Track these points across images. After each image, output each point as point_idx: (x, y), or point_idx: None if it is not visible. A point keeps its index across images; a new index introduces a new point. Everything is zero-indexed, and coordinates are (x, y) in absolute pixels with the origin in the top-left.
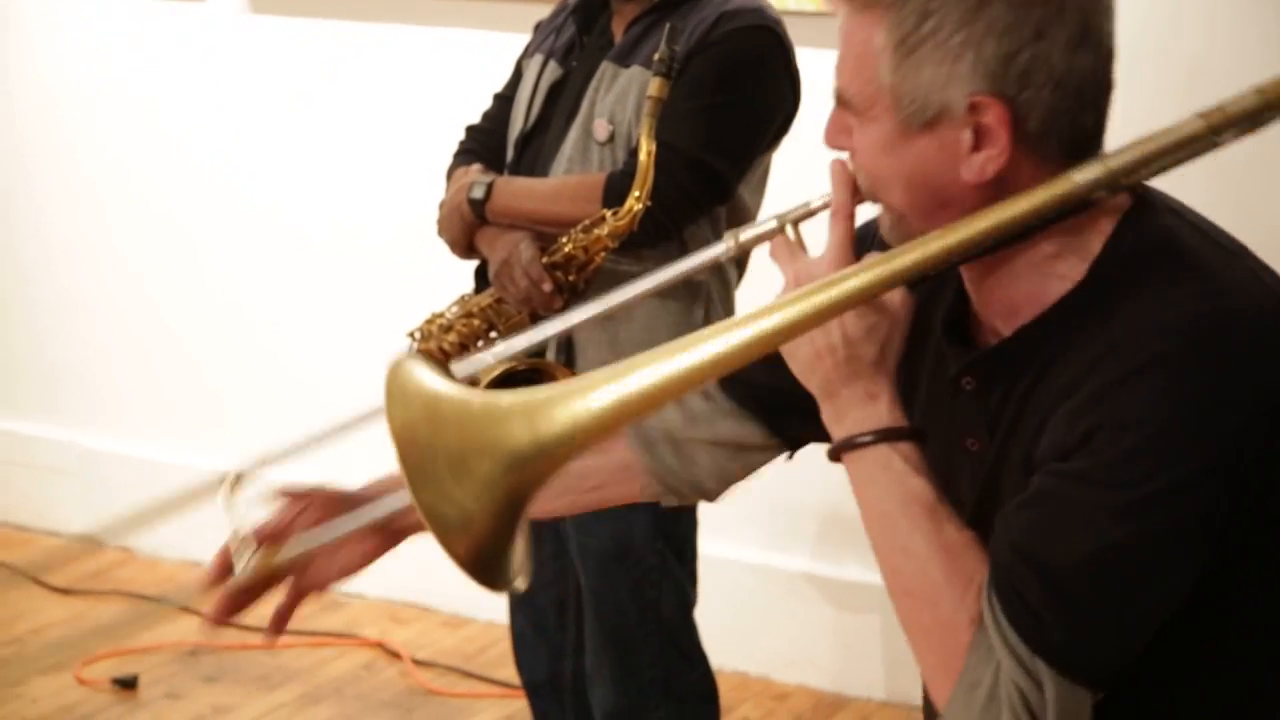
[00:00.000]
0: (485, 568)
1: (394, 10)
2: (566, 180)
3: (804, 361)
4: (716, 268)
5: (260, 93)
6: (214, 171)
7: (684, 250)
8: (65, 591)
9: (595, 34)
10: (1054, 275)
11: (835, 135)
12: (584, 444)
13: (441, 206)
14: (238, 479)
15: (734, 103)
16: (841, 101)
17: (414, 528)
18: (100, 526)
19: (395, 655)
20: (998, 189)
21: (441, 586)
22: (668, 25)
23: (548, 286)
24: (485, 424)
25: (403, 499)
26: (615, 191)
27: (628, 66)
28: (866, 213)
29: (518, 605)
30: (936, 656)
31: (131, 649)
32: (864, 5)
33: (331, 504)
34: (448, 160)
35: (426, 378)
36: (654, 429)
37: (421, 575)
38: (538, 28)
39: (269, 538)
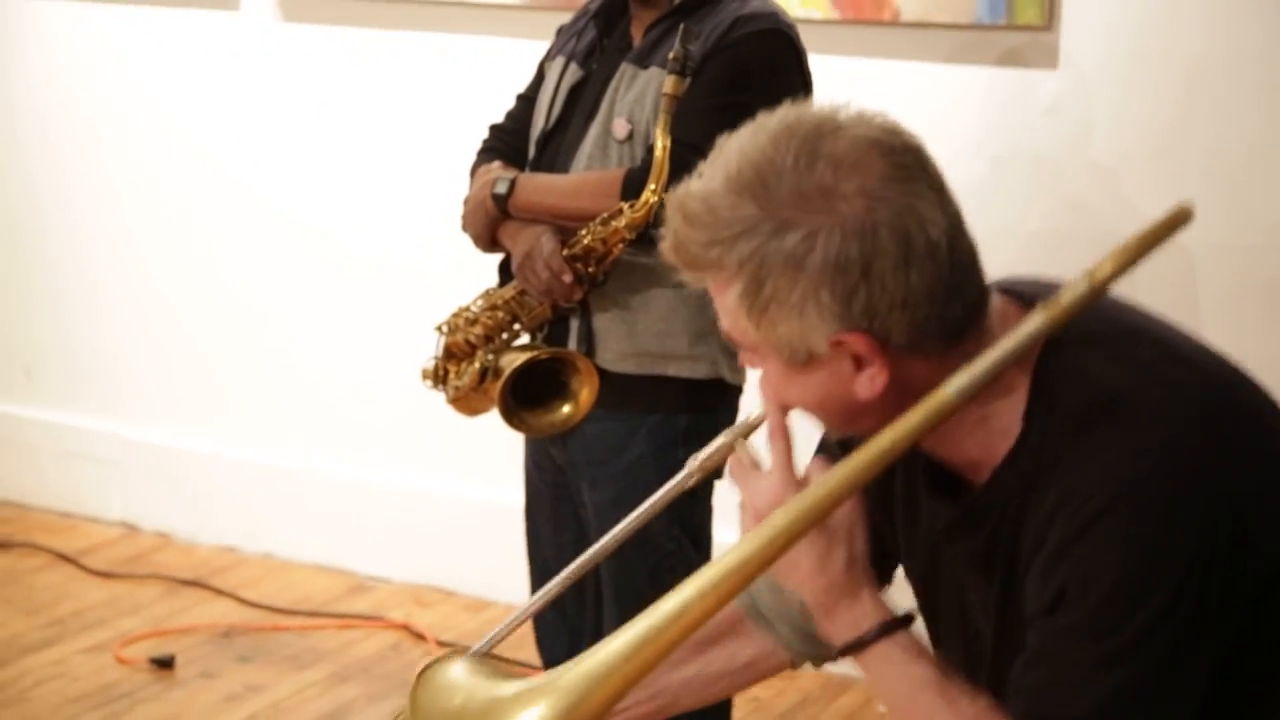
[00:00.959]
0: None
1: (419, 19)
2: (586, 176)
3: (787, 583)
4: None
5: (291, 97)
6: (246, 174)
7: None
8: (105, 575)
9: (615, 37)
10: (995, 433)
11: (745, 358)
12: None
13: (466, 202)
14: None
15: (748, 103)
16: (736, 343)
17: None
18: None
19: (420, 637)
20: (898, 390)
21: (464, 572)
22: (682, 26)
23: (568, 277)
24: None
25: None
26: (633, 186)
27: (646, 67)
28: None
29: (538, 588)
30: None
31: (169, 630)
32: (709, 269)
33: None
34: (471, 160)
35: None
36: (765, 606)
37: (445, 561)
38: (559, 31)
39: None
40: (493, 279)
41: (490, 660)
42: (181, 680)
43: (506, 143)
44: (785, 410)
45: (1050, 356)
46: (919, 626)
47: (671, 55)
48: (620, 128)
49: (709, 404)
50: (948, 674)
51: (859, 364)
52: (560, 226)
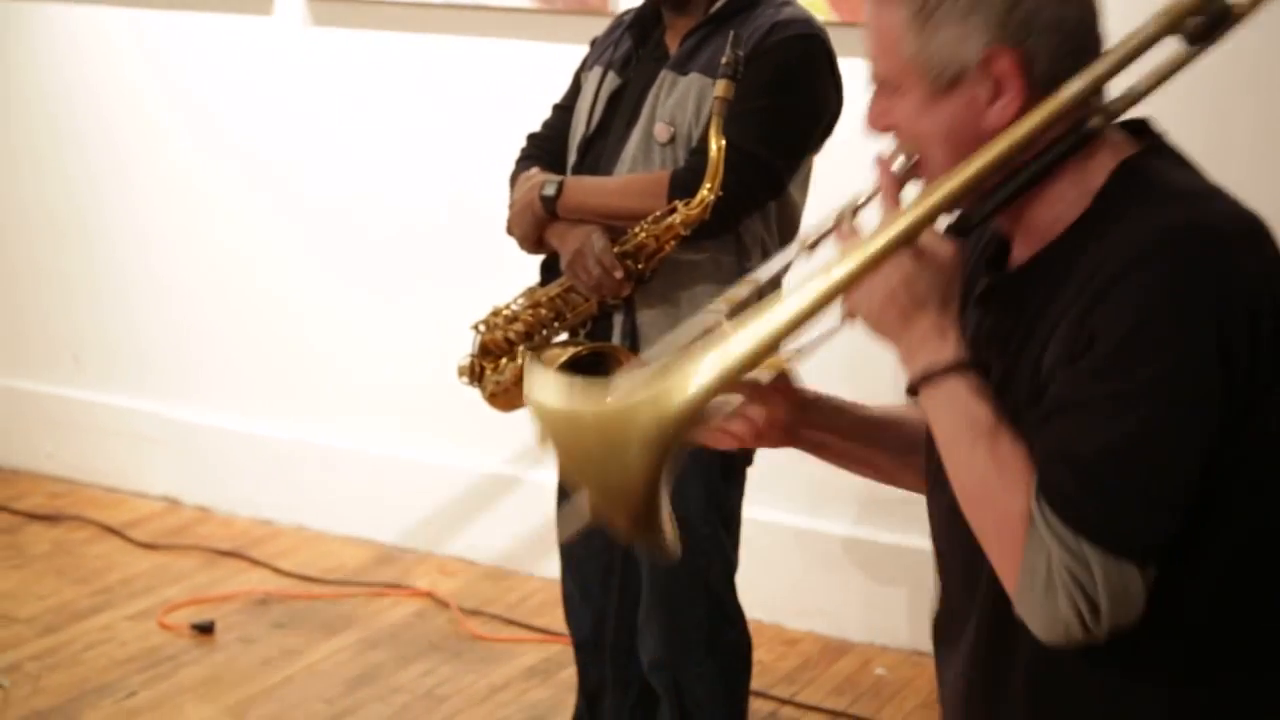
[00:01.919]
0: (647, 531)
1: (440, 23)
2: (633, 178)
3: (873, 313)
4: (768, 256)
5: (320, 96)
6: (279, 167)
7: (739, 241)
8: (150, 546)
9: (650, 46)
10: (1066, 206)
11: (876, 118)
12: (697, 414)
13: (512, 205)
14: None
15: (788, 104)
16: (878, 82)
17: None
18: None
19: (444, 604)
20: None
21: (486, 542)
22: (731, 33)
23: (619, 273)
24: (620, 422)
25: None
26: (680, 187)
27: (686, 74)
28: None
29: (566, 569)
30: (1001, 552)
31: (209, 598)
32: None
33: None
34: (495, 160)
35: (560, 401)
36: None
37: (467, 533)
38: (594, 44)
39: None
40: (511, 265)
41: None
42: (221, 645)
43: (545, 149)
44: (898, 177)
45: (1139, 155)
46: None
47: (724, 60)
48: (662, 132)
49: None
50: (1002, 420)
51: (996, 92)
52: (607, 226)
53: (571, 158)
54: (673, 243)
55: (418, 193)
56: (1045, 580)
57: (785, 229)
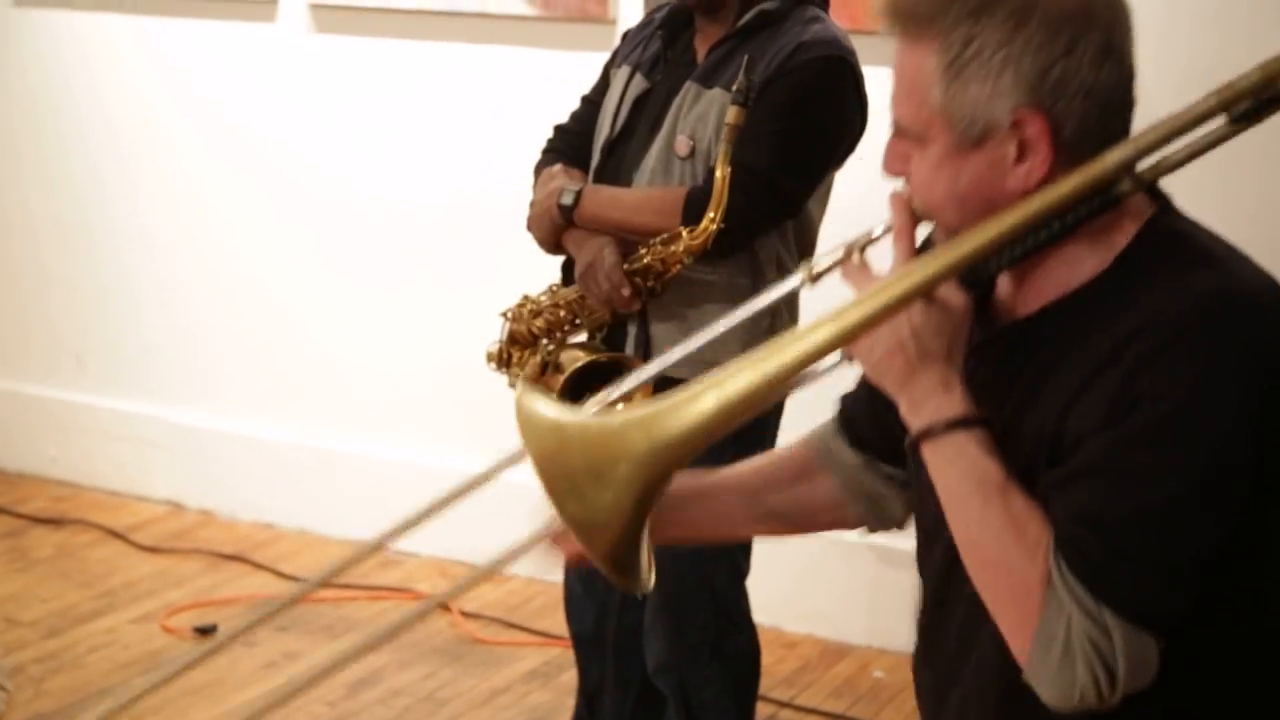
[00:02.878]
0: (622, 566)
1: (440, 30)
2: (651, 193)
3: (878, 362)
4: (783, 273)
5: (323, 101)
6: (282, 170)
7: (754, 259)
8: (152, 550)
9: (679, 49)
10: (1082, 265)
11: (893, 163)
12: (696, 446)
13: (532, 206)
14: None
15: (806, 127)
16: (899, 129)
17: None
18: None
19: (445, 608)
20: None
21: (487, 546)
22: (746, 57)
23: (626, 291)
24: (608, 440)
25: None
26: (695, 207)
27: (710, 88)
28: (924, 230)
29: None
30: (1014, 617)
31: (211, 601)
32: (916, 36)
33: None
34: (496, 165)
35: (547, 411)
36: (845, 465)
37: (467, 536)
38: (624, 37)
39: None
40: (513, 270)
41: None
42: (224, 648)
43: (569, 144)
44: (914, 218)
45: (1159, 217)
46: None
47: (735, 87)
48: (683, 145)
49: None
50: (1011, 478)
51: (1022, 154)
52: (622, 238)
53: (595, 158)
54: (678, 267)
55: (419, 197)
56: (1064, 646)
57: (803, 244)
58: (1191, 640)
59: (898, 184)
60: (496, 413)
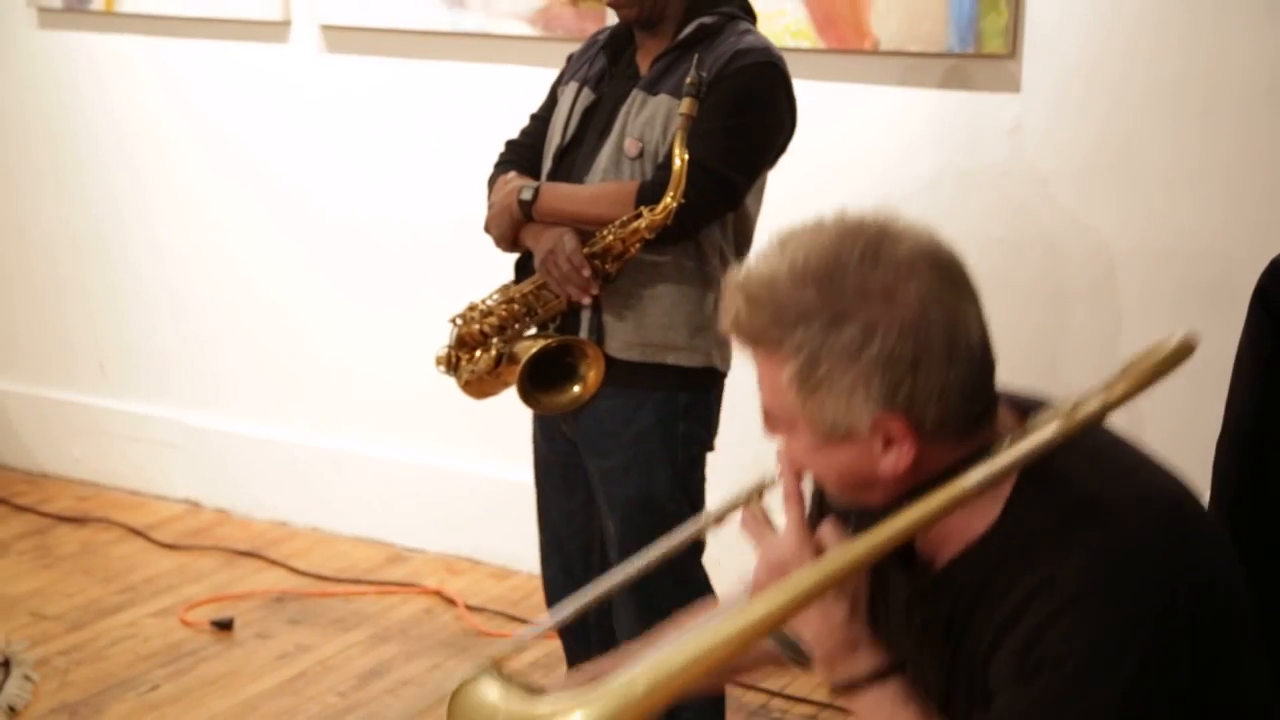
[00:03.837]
0: None
1: (446, 50)
2: (604, 187)
3: (795, 623)
4: (725, 265)
5: (334, 119)
6: (293, 186)
7: (699, 247)
8: (171, 547)
9: (622, 65)
10: (974, 515)
11: (767, 426)
12: None
13: (491, 206)
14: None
15: (746, 125)
16: (769, 416)
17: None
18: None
19: (451, 602)
20: (914, 470)
21: (491, 543)
22: (696, 55)
23: (587, 271)
24: None
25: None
26: (646, 196)
27: (655, 94)
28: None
29: (549, 555)
30: None
31: (227, 595)
32: (767, 346)
33: None
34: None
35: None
36: None
37: (473, 533)
38: (570, 59)
39: None
40: (505, 278)
41: (514, 678)
42: (239, 640)
43: (522, 155)
44: (800, 476)
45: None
46: None
47: (688, 80)
48: (632, 146)
49: (704, 386)
50: (932, 717)
51: (888, 443)
52: (578, 229)
53: (547, 165)
54: (637, 246)
55: (425, 210)
56: None
57: (740, 237)
58: None
59: (893, 197)
60: (496, 415)
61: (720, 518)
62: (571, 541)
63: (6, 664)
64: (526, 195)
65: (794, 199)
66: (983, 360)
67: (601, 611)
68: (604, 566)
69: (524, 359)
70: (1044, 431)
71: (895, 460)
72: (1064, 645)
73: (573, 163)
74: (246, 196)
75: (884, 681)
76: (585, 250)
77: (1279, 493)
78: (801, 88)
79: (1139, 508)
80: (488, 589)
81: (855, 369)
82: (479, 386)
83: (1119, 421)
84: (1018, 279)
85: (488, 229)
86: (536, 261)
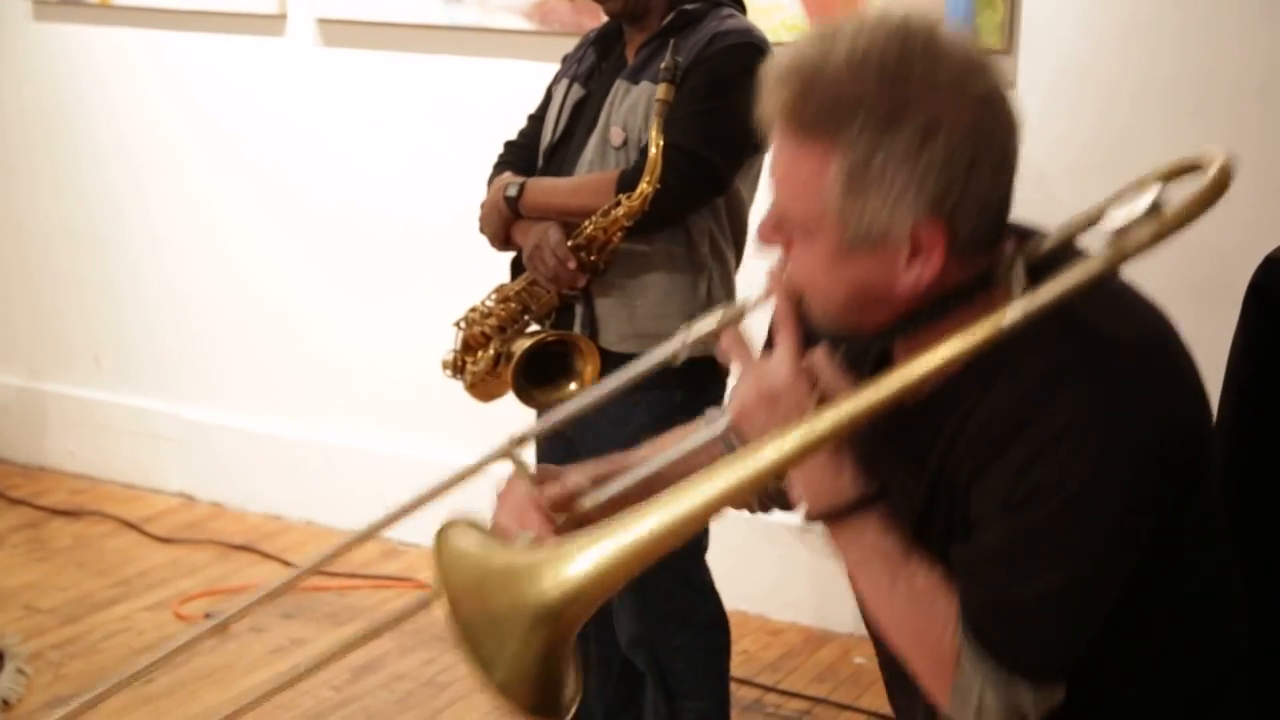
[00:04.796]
0: (545, 709)
1: (441, 44)
2: (586, 177)
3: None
4: (717, 252)
5: (329, 112)
6: (289, 179)
7: (688, 234)
8: (165, 540)
9: (613, 59)
10: (971, 335)
11: (770, 234)
12: (604, 590)
13: (483, 206)
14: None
15: (725, 107)
16: (781, 217)
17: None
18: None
19: None
20: (929, 287)
21: None
22: (672, 41)
23: (572, 264)
24: (521, 582)
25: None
26: (626, 184)
27: (637, 83)
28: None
29: None
30: (929, 679)
31: (222, 589)
32: (816, 140)
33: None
34: (489, 173)
35: (467, 546)
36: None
37: None
38: (564, 60)
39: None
40: (500, 271)
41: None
42: (233, 634)
43: (519, 156)
44: (797, 298)
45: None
46: None
47: (663, 66)
48: (616, 135)
49: (701, 380)
50: (910, 549)
51: (914, 254)
52: (565, 222)
53: (539, 163)
54: (620, 234)
55: (420, 204)
56: (978, 707)
57: (735, 223)
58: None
59: None
60: (490, 409)
61: (699, 338)
62: None
63: (0, 657)
64: (512, 191)
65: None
66: (1012, 178)
67: (603, 613)
68: None
69: (516, 356)
70: (1094, 262)
71: (918, 274)
72: (1054, 476)
73: (562, 159)
74: (242, 190)
75: (867, 510)
76: (570, 243)
77: (1271, 489)
78: None
79: (1132, 343)
80: None
81: (911, 168)
82: (483, 388)
83: None
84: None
85: (481, 229)
86: (524, 256)
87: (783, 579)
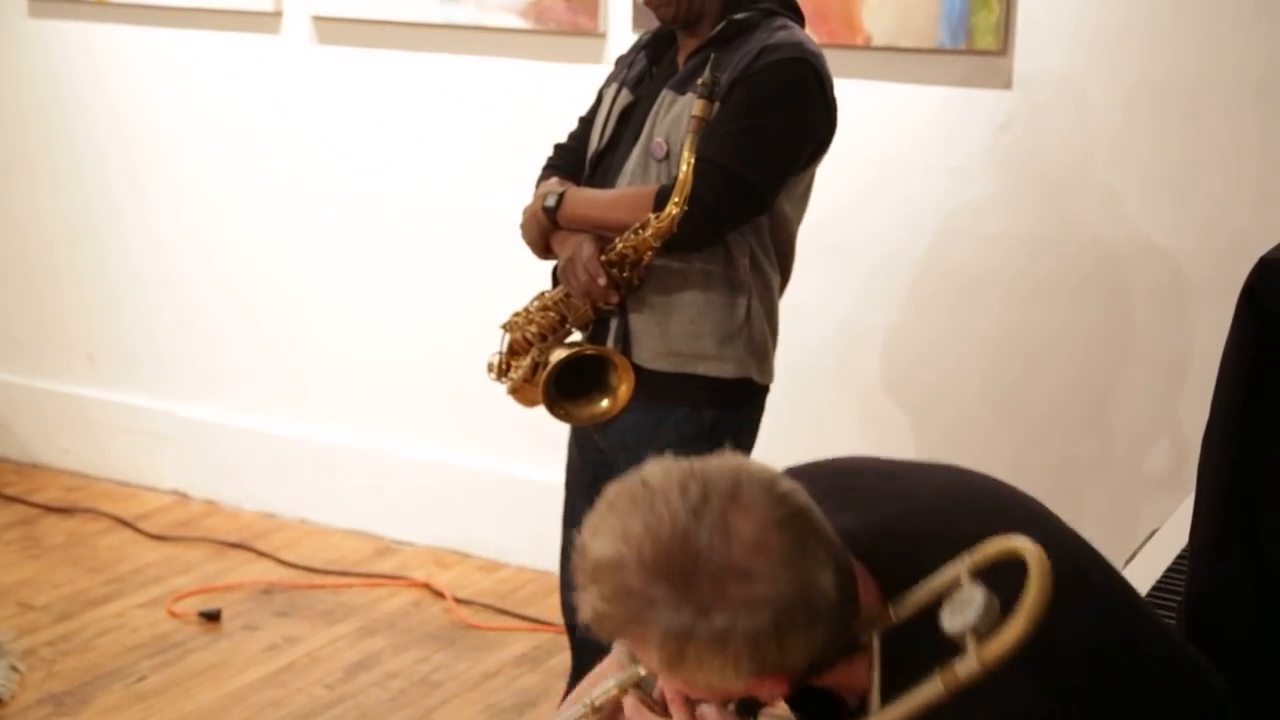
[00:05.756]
0: None
1: (436, 42)
2: (624, 191)
3: None
4: (758, 271)
5: (324, 110)
6: (283, 177)
7: (727, 252)
8: (159, 538)
9: (664, 65)
10: (857, 680)
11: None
12: None
13: (524, 213)
14: None
15: (770, 125)
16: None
17: None
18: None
19: (439, 595)
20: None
21: (480, 536)
22: (712, 55)
23: (603, 280)
24: None
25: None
26: (663, 201)
27: (683, 93)
28: None
29: (569, 557)
30: None
31: (215, 587)
32: (631, 638)
33: None
34: (489, 171)
35: None
36: None
37: (462, 526)
38: (618, 61)
39: None
40: (505, 273)
41: None
42: (227, 632)
43: (567, 160)
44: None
45: (889, 635)
46: None
47: (700, 82)
48: (658, 147)
49: (735, 401)
50: None
51: (765, 686)
52: (601, 235)
53: (585, 170)
54: (650, 253)
55: (416, 202)
56: None
57: (780, 244)
58: None
59: (886, 192)
60: (487, 409)
61: (597, 707)
62: None
63: None
64: (550, 202)
65: (835, 201)
66: (842, 605)
67: None
68: None
69: (549, 368)
70: (924, 693)
71: (770, 691)
72: None
73: (608, 167)
74: (237, 188)
75: None
76: (603, 258)
77: (1263, 493)
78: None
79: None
80: (476, 582)
81: (722, 655)
82: (523, 394)
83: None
84: (1007, 274)
85: (523, 237)
86: (559, 269)
87: None
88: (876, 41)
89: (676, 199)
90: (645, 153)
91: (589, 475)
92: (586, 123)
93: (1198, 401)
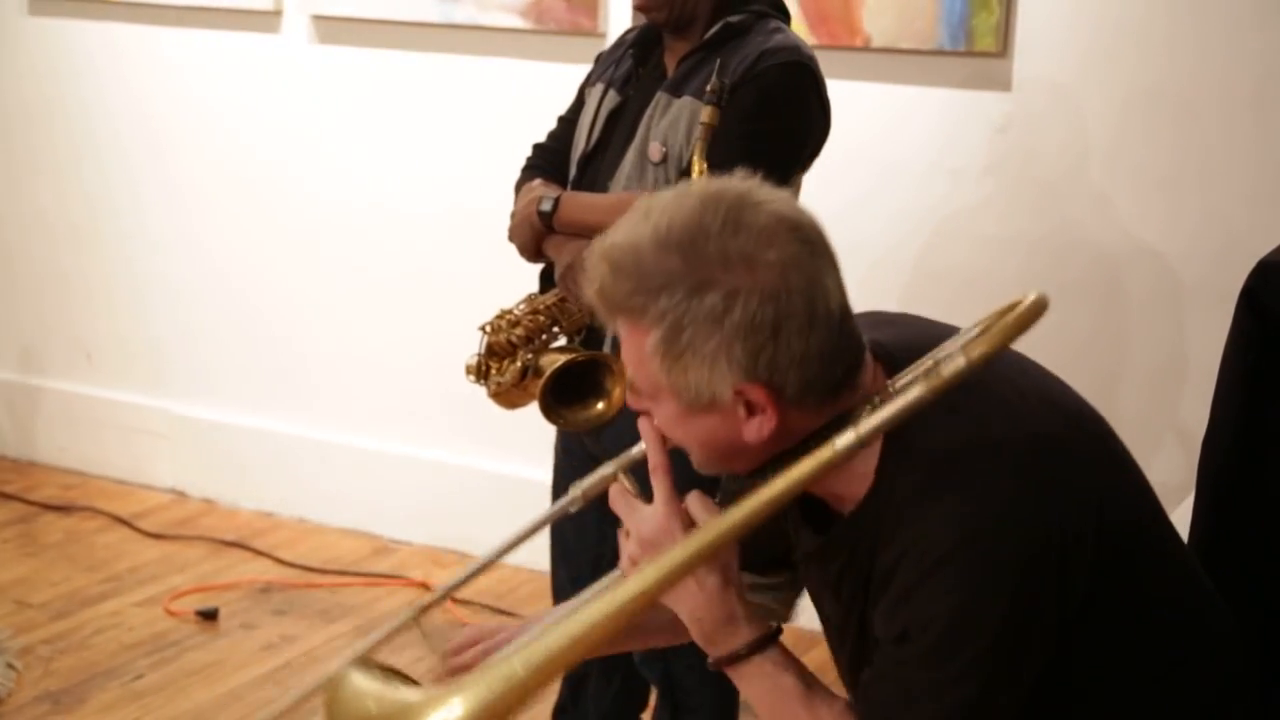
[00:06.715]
0: None
1: (436, 41)
2: (625, 196)
3: (670, 600)
4: None
5: (324, 109)
6: (284, 176)
7: None
8: (157, 536)
9: (650, 66)
10: (855, 476)
11: (632, 401)
12: None
13: (512, 216)
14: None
15: (772, 129)
16: (633, 388)
17: None
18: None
19: None
20: (779, 436)
21: (477, 535)
22: (718, 61)
23: None
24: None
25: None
26: None
27: (680, 96)
28: None
29: (558, 562)
30: None
31: (213, 586)
32: (631, 314)
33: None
34: (489, 171)
35: (366, 686)
36: None
37: (460, 526)
38: (598, 59)
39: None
40: (504, 273)
41: (388, 671)
42: (224, 631)
43: (549, 160)
44: (666, 448)
45: (892, 437)
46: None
47: (709, 88)
48: (655, 151)
49: None
50: (811, 683)
51: (751, 411)
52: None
53: (571, 172)
54: None
55: (414, 202)
56: None
57: None
58: None
59: (884, 193)
60: (484, 408)
61: (589, 495)
62: (582, 554)
63: None
64: (546, 206)
65: (826, 200)
66: (842, 326)
67: None
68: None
69: (546, 374)
70: (907, 395)
71: (758, 428)
72: (928, 610)
73: (598, 169)
74: (235, 187)
75: (763, 650)
76: None
77: (1263, 494)
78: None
79: (995, 456)
80: (474, 582)
81: (717, 336)
82: (507, 397)
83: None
84: (1005, 276)
85: (510, 239)
86: (557, 275)
87: None
88: (876, 43)
89: None
90: (641, 156)
91: (575, 479)
92: (567, 123)
93: (1193, 402)
